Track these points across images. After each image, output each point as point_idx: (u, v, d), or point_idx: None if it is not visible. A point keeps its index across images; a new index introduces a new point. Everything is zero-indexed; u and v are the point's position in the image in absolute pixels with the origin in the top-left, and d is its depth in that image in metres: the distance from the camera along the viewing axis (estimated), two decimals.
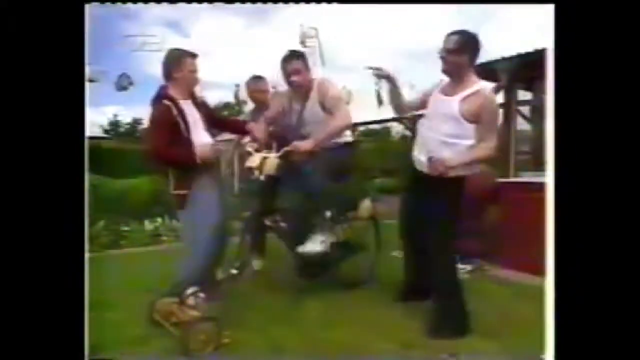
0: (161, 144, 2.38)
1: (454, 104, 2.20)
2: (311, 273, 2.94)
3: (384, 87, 2.48)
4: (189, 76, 2.45)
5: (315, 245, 2.66)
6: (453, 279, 2.43)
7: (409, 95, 2.54)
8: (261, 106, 3.34)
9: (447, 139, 2.22)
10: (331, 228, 2.79)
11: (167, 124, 2.36)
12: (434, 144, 2.27)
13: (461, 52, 2.17)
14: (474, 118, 2.16)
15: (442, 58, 2.22)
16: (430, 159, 2.18)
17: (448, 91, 2.28)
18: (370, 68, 2.43)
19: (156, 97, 2.42)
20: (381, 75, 2.44)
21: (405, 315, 2.54)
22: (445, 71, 2.27)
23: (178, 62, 2.41)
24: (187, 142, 2.40)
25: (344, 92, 3.05)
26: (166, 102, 2.37)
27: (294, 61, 2.67)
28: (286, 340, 2.22)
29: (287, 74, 2.71)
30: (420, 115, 2.55)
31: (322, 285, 2.94)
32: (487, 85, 2.25)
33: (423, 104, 2.46)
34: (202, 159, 2.38)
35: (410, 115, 2.89)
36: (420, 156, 2.38)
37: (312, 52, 3.25)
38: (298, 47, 3.94)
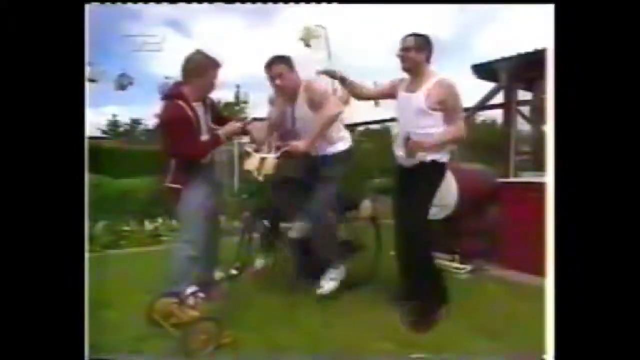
0: (169, 142, 2.40)
1: (419, 98, 2.44)
2: (312, 273, 2.95)
3: (339, 86, 2.84)
4: (208, 83, 2.47)
5: (330, 283, 2.78)
6: (431, 273, 2.55)
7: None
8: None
9: (418, 130, 2.43)
10: (340, 263, 2.85)
11: (182, 122, 2.37)
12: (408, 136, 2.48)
13: (419, 49, 2.44)
14: (439, 106, 2.40)
15: (401, 57, 2.47)
16: (406, 140, 2.40)
17: (412, 88, 2.51)
18: (322, 72, 2.76)
19: (169, 95, 2.43)
20: (334, 76, 2.77)
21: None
22: (405, 69, 2.51)
23: (202, 71, 2.42)
24: (196, 142, 2.43)
25: (344, 93, 3.05)
26: (180, 102, 2.38)
27: (276, 65, 2.69)
28: (286, 340, 2.22)
29: (270, 78, 2.74)
30: None
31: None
32: (446, 76, 2.46)
33: (387, 94, 2.74)
34: (228, 136, 2.51)
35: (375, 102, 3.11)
36: (399, 152, 2.57)
37: (316, 51, 3.25)
38: (300, 46, 3.92)
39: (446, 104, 2.40)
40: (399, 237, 2.66)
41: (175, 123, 2.39)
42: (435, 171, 2.52)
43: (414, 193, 2.51)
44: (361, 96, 2.87)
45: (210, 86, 2.51)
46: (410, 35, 2.47)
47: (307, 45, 4.03)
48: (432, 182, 2.53)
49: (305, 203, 2.75)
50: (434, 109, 2.40)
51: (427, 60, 2.49)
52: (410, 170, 2.51)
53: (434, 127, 2.42)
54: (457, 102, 2.44)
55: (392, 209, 2.75)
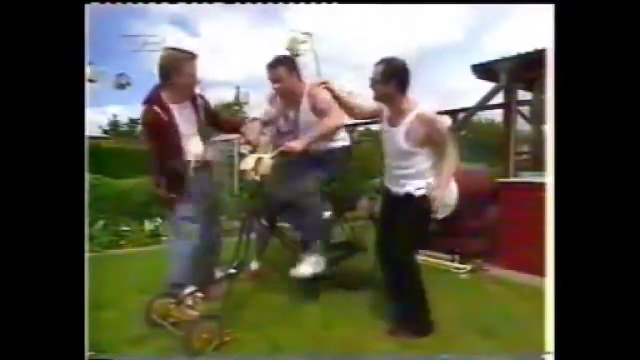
0: (152, 148, 2.36)
1: (399, 137, 2.23)
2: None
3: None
4: (187, 80, 2.34)
5: (307, 267, 2.66)
6: (417, 278, 2.36)
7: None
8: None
9: (404, 172, 2.28)
10: (323, 250, 2.76)
11: (156, 130, 2.31)
12: (398, 179, 2.32)
13: (386, 82, 2.19)
14: (423, 144, 2.20)
15: (371, 87, 2.25)
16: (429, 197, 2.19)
17: (391, 120, 2.30)
18: (322, 85, 2.48)
19: (147, 99, 2.35)
20: (332, 92, 2.48)
21: None
22: (376, 99, 2.30)
23: (176, 67, 2.29)
24: (178, 149, 2.37)
25: (344, 92, 3.05)
26: (155, 108, 2.29)
27: (276, 68, 2.67)
28: (286, 340, 2.22)
29: (272, 81, 2.72)
30: None
31: (322, 285, 2.95)
32: (424, 108, 2.23)
33: (375, 115, 2.48)
34: (193, 167, 2.41)
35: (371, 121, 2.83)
36: (390, 186, 2.41)
37: (304, 57, 3.23)
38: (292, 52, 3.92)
39: (430, 140, 2.20)
40: (384, 266, 2.48)
41: (151, 130, 2.33)
42: (426, 202, 2.23)
43: (406, 224, 2.29)
44: (352, 115, 2.60)
45: (191, 81, 2.37)
46: (379, 63, 2.22)
47: (296, 54, 4.00)
48: (425, 214, 2.26)
49: (302, 198, 2.74)
50: (417, 147, 2.20)
51: (401, 90, 2.21)
52: (402, 202, 2.31)
53: (420, 164, 2.24)
54: (442, 137, 2.21)
55: (377, 235, 2.57)
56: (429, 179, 2.25)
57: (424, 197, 2.24)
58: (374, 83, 2.23)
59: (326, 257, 2.76)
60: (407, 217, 2.30)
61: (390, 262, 2.41)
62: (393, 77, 2.19)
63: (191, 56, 2.34)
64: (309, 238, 2.74)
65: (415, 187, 2.26)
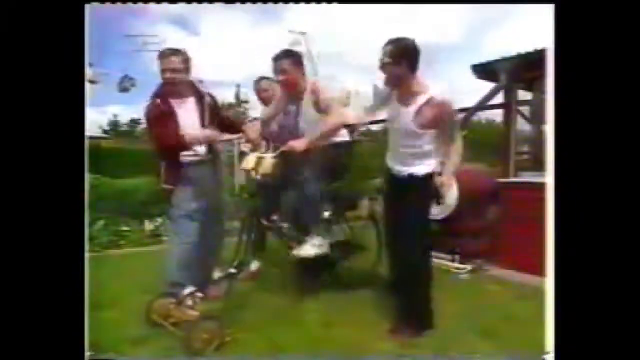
0: (154, 139, 2.47)
1: (409, 116, 2.20)
2: (312, 273, 2.95)
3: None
4: (172, 76, 2.42)
5: (311, 248, 2.65)
6: (422, 273, 2.39)
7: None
8: (268, 105, 3.37)
9: (409, 150, 2.30)
10: (327, 230, 2.78)
11: (159, 118, 2.42)
12: (402, 158, 2.36)
13: (397, 62, 2.13)
14: (431, 126, 2.19)
15: (381, 69, 2.20)
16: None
17: (403, 99, 2.26)
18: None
19: (152, 95, 2.49)
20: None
21: None
22: (387, 82, 2.26)
23: (159, 63, 2.43)
24: (178, 140, 2.44)
25: (344, 92, 3.04)
26: (157, 100, 2.44)
27: (281, 60, 2.67)
28: (286, 340, 2.22)
29: (276, 73, 2.72)
30: None
31: (322, 285, 2.95)
32: (438, 91, 2.19)
33: (381, 107, 2.49)
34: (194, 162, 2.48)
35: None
36: (393, 164, 2.43)
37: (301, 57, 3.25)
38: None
39: (439, 123, 2.19)
40: (393, 248, 2.53)
41: (153, 119, 2.45)
42: (429, 182, 2.31)
43: (411, 205, 2.32)
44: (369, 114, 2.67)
45: (176, 79, 2.43)
46: (388, 44, 2.15)
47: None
48: (428, 194, 2.34)
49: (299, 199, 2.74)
50: (425, 128, 2.19)
51: (411, 71, 2.17)
52: (405, 182, 2.34)
53: (425, 145, 2.24)
54: (452, 121, 2.22)
55: (385, 219, 2.61)
56: (432, 161, 2.29)
57: (429, 178, 2.28)
58: (384, 65, 2.16)
59: (327, 240, 2.75)
60: (411, 200, 2.31)
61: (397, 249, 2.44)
62: (403, 57, 2.13)
63: (170, 53, 2.44)
64: (309, 221, 2.72)
65: (418, 169, 2.29)
